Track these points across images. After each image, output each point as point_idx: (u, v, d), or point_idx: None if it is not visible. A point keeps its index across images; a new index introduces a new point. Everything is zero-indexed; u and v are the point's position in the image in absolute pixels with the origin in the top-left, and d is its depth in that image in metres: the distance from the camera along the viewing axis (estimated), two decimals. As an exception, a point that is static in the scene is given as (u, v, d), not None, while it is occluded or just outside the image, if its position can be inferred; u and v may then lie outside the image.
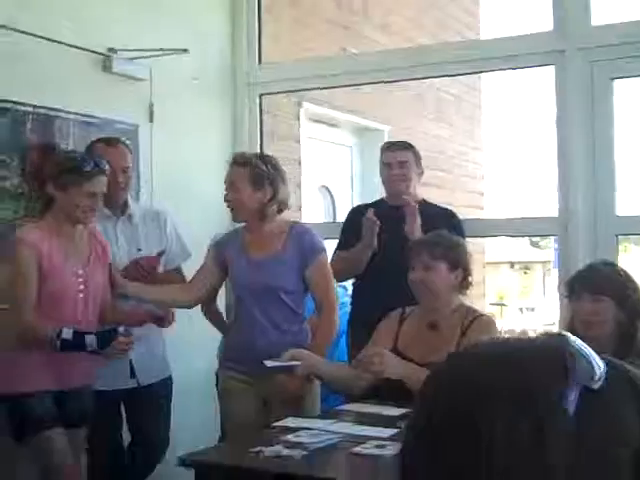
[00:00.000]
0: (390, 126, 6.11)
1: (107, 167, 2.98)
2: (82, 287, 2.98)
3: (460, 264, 3.01)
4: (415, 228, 3.50)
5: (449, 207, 3.96)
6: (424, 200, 3.81)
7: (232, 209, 3.27)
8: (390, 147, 3.87)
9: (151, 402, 3.39)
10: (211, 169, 4.29)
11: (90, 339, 2.82)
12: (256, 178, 3.19)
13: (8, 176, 3.23)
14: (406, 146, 3.82)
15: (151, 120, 3.91)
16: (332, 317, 3.23)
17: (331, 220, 5.71)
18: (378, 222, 3.49)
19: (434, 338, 2.97)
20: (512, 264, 19.62)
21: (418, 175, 3.80)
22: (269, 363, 2.87)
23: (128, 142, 3.60)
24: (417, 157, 3.80)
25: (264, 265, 3.18)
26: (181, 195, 4.00)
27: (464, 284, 3.05)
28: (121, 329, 2.90)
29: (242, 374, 3.17)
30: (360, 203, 4.35)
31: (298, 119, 5.29)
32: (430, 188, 6.07)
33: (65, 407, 2.93)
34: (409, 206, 3.52)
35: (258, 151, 4.43)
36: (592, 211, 3.67)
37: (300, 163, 5.26)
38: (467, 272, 3.04)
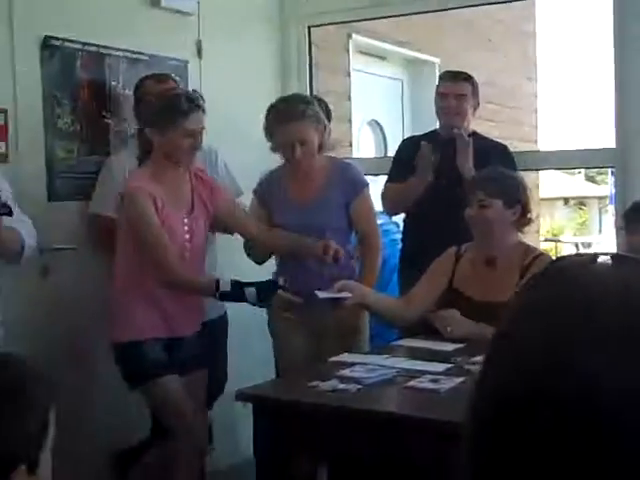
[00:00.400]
0: (441, 58, 5.98)
1: (202, 102, 2.87)
2: (188, 237, 2.89)
3: (518, 200, 2.96)
4: (467, 161, 3.44)
5: (501, 141, 3.88)
6: (475, 133, 3.73)
7: (300, 163, 3.15)
8: (449, 77, 3.74)
9: (209, 338, 3.41)
10: (260, 104, 4.24)
11: (249, 291, 2.75)
12: (319, 126, 3.16)
13: (60, 115, 3.24)
14: (465, 77, 3.70)
15: (200, 56, 3.88)
16: (379, 249, 3.26)
17: (382, 155, 5.65)
18: (436, 155, 3.43)
19: (492, 275, 2.94)
20: (566, 200, 19.28)
21: (474, 108, 3.71)
22: (320, 294, 2.86)
23: (178, 79, 3.59)
24: (475, 89, 3.70)
25: (309, 206, 3.17)
26: (230, 132, 3.96)
27: (522, 221, 3.00)
28: (280, 280, 2.80)
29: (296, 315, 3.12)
30: (411, 135, 4.27)
31: (347, 52, 5.20)
32: (482, 121, 5.96)
33: (178, 354, 2.90)
34: (461, 139, 3.46)
35: (307, 85, 4.39)
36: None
37: (349, 97, 5.19)
38: (526, 209, 2.98)
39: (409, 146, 3.69)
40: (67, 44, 3.26)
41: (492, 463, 0.65)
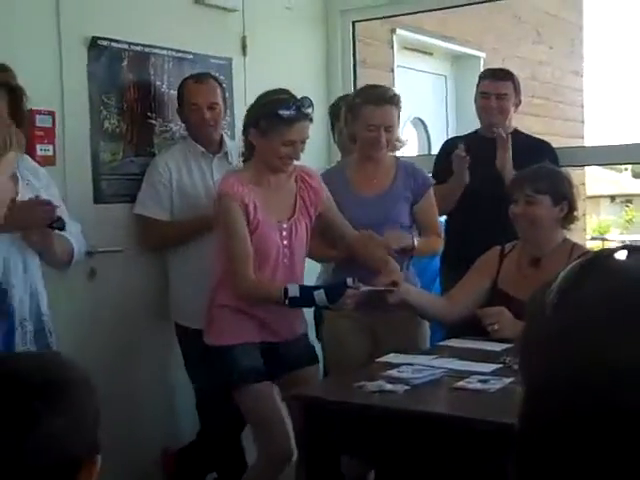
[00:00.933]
0: (486, 53, 5.91)
1: (311, 110, 2.78)
2: (286, 242, 2.83)
3: (565, 197, 2.91)
4: (506, 161, 3.41)
5: (544, 138, 3.81)
6: (516, 130, 3.69)
7: (380, 149, 3.11)
8: (490, 76, 3.71)
9: None
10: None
11: (319, 294, 2.70)
12: (399, 114, 3.15)
13: (107, 116, 3.26)
14: (507, 76, 3.66)
15: (244, 53, 3.87)
16: (441, 240, 3.29)
17: (425, 153, 5.60)
18: (467, 158, 3.39)
19: (537, 275, 2.89)
20: (613, 197, 18.96)
21: (515, 105, 3.67)
22: (363, 287, 2.82)
23: (222, 78, 3.59)
24: (517, 87, 3.65)
25: (375, 200, 3.14)
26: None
27: (569, 218, 2.96)
28: (349, 281, 2.72)
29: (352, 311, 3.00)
30: (454, 135, 4.23)
31: (392, 47, 5.16)
32: (526, 117, 5.87)
33: (275, 359, 2.86)
34: (500, 138, 3.42)
35: (351, 81, 4.36)
36: None
37: (394, 94, 5.15)
38: (572, 206, 2.94)
39: (450, 147, 3.65)
40: (113, 44, 3.28)
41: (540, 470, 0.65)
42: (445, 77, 5.82)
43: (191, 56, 3.60)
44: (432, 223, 3.26)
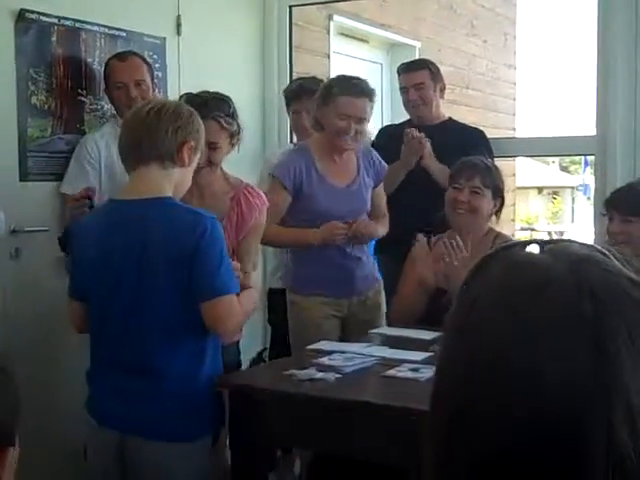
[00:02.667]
0: (421, 42, 5.93)
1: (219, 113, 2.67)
2: None
3: (500, 193, 3.05)
4: (430, 160, 3.46)
5: (477, 127, 3.84)
6: (450, 118, 3.72)
7: (353, 142, 3.11)
8: (404, 69, 3.72)
9: None
10: (240, 84, 4.18)
11: None
12: (372, 109, 3.17)
13: (35, 91, 3.15)
14: (421, 65, 3.69)
15: (178, 33, 3.79)
16: (387, 223, 3.35)
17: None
18: (425, 140, 3.42)
19: (465, 264, 2.94)
20: (540, 189, 19.40)
21: (440, 90, 3.67)
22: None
23: (155, 57, 3.52)
24: (435, 74, 3.65)
25: (349, 191, 3.18)
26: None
27: (498, 213, 3.09)
28: None
29: (328, 298, 3.15)
30: (389, 124, 4.24)
31: (328, 32, 5.13)
32: (459, 107, 5.92)
33: None
34: (412, 141, 3.43)
35: (287, 65, 4.32)
36: (632, 131, 3.54)
37: (329, 80, 5.12)
38: (503, 200, 3.08)
39: (385, 135, 3.71)
40: (43, 18, 3.16)
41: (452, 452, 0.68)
42: (381, 65, 5.82)
43: (124, 34, 3.50)
44: (384, 206, 3.35)
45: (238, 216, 2.72)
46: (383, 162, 3.31)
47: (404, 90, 3.66)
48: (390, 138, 3.61)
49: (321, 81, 3.64)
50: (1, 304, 2.99)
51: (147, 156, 2.19)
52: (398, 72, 3.77)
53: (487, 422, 0.65)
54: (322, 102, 3.12)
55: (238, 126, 2.74)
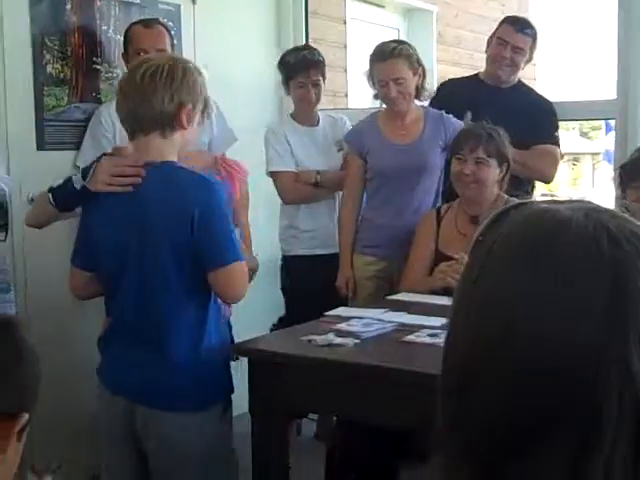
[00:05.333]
0: (438, 7, 5.85)
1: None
2: None
3: (506, 160, 3.00)
4: None
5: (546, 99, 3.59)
6: (520, 82, 3.58)
7: (395, 102, 3.21)
8: (512, 24, 3.47)
9: None
10: (255, 51, 4.16)
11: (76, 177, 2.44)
12: (412, 64, 3.20)
13: (50, 60, 3.14)
14: (528, 31, 3.47)
15: (193, 1, 3.77)
16: None
17: (377, 106, 5.54)
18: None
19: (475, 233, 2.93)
20: (561, 155, 19.19)
21: (527, 62, 3.53)
22: None
23: (170, 24, 3.49)
24: (534, 44, 3.49)
25: (407, 147, 3.24)
26: (225, 80, 3.87)
27: (505, 178, 3.04)
28: None
29: (380, 258, 3.29)
30: (451, 77, 4.04)
31: (344, -1, 5.08)
32: (478, 70, 5.85)
33: None
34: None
35: (302, 32, 4.28)
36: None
37: (346, 46, 5.08)
38: (509, 167, 3.02)
39: (446, 89, 3.62)
40: (56, -15, 3.15)
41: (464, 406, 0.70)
42: (398, 30, 5.76)
43: (138, 1, 3.49)
44: None
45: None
46: (459, 126, 3.24)
47: (500, 42, 3.43)
48: (450, 93, 3.53)
49: (317, 49, 3.62)
50: (21, 272, 3.01)
51: (146, 126, 2.14)
52: (503, 21, 3.52)
53: (501, 374, 0.66)
54: (369, 76, 3.29)
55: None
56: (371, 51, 3.31)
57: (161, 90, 2.11)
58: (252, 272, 3.35)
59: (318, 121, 3.64)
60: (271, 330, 3.45)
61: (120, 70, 3.35)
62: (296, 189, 3.54)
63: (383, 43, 3.34)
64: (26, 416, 1.14)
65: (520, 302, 0.66)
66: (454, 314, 0.73)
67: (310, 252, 3.54)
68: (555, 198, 0.76)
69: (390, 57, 3.17)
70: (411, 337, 2.36)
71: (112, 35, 3.36)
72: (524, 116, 3.23)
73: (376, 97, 3.40)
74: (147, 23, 3.22)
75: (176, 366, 2.16)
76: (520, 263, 0.67)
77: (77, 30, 3.24)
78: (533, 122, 3.22)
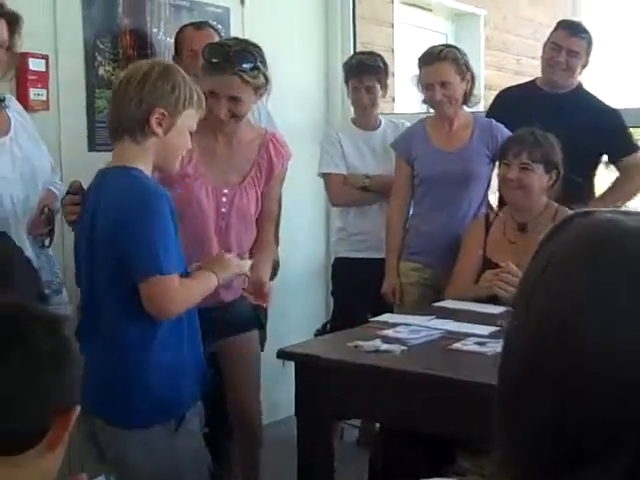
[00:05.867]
0: (487, 11, 5.81)
1: (246, 66, 2.54)
2: (224, 210, 2.64)
3: (556, 166, 2.95)
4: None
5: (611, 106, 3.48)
6: (580, 86, 3.50)
7: (441, 106, 3.21)
8: (566, 28, 3.44)
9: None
10: (303, 55, 4.16)
11: None
12: (460, 68, 3.19)
13: (102, 62, 3.17)
14: (582, 34, 3.42)
15: (242, 3, 3.79)
16: None
17: (424, 111, 5.52)
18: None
19: (524, 240, 2.95)
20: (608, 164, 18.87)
21: (583, 66, 3.47)
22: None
23: (219, 27, 3.51)
24: (590, 47, 3.44)
25: (453, 154, 3.22)
26: (274, 83, 3.87)
27: (555, 185, 2.98)
28: None
29: (425, 265, 3.27)
30: (508, 86, 3.92)
31: (392, 2, 5.06)
32: (524, 78, 5.80)
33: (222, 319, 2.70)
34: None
35: (350, 36, 4.28)
36: None
37: (393, 51, 5.06)
38: (559, 173, 2.96)
39: (502, 98, 3.59)
40: (109, -12, 3.18)
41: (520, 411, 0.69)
42: (445, 35, 5.73)
43: (188, 4, 3.52)
44: None
45: (267, 163, 2.70)
46: (506, 136, 3.17)
47: (554, 47, 3.40)
48: (507, 101, 3.50)
49: (380, 56, 3.62)
50: (72, 274, 3.03)
51: (118, 131, 2.09)
52: (557, 27, 3.48)
53: (557, 382, 0.65)
54: (417, 80, 3.27)
55: (265, 78, 2.59)
56: (419, 55, 3.30)
57: (130, 93, 2.06)
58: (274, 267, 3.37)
59: (378, 126, 3.63)
60: (315, 335, 3.45)
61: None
62: (344, 192, 3.54)
63: (432, 47, 3.34)
64: (78, 409, 1.16)
65: (587, 312, 0.65)
66: (514, 318, 0.72)
67: (358, 255, 3.53)
68: (614, 208, 0.74)
69: (437, 60, 3.16)
70: (458, 345, 2.34)
71: (162, 37, 3.39)
72: (587, 121, 3.17)
73: (424, 102, 3.39)
74: (198, 25, 3.25)
75: (124, 380, 2.08)
76: (581, 270, 0.67)
77: (128, 32, 3.27)
78: (598, 127, 3.15)
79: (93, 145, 3.17)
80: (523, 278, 0.73)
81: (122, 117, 2.07)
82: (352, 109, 3.73)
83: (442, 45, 3.46)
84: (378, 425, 3.27)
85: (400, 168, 3.34)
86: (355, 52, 3.98)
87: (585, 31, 3.46)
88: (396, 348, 2.31)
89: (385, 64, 3.62)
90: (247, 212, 2.65)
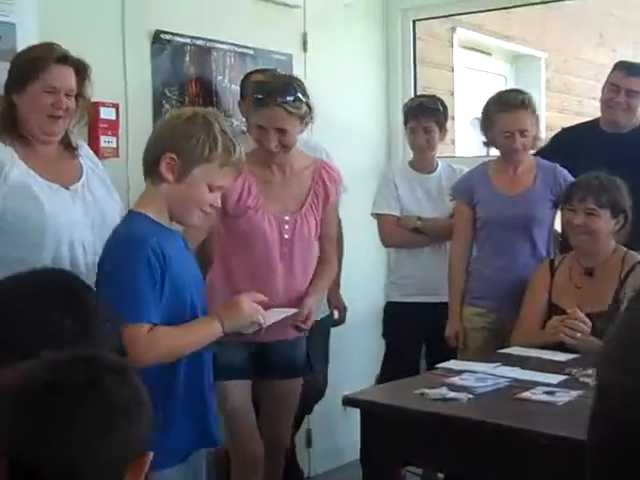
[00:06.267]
0: (547, 53, 5.80)
1: (289, 99, 2.62)
2: (286, 236, 2.72)
3: (623, 210, 2.91)
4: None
5: None
6: None
7: (518, 154, 3.22)
8: (624, 69, 3.42)
9: (308, 342, 3.29)
10: (365, 99, 4.20)
11: None
12: (535, 115, 3.22)
13: (169, 109, 3.23)
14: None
15: (305, 49, 3.85)
16: None
17: (484, 154, 5.50)
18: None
19: (591, 285, 2.90)
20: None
21: None
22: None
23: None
24: None
25: (516, 197, 3.22)
26: (337, 127, 3.92)
27: (622, 230, 2.94)
28: None
29: (489, 309, 3.24)
30: (570, 125, 3.90)
31: (451, 45, 5.09)
32: (586, 119, 5.75)
33: (264, 361, 2.78)
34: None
35: (411, 79, 4.31)
36: None
37: (453, 94, 5.07)
38: (627, 217, 2.93)
39: (566, 137, 3.57)
40: (176, 38, 3.27)
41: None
42: (505, 77, 5.72)
43: (252, 51, 3.58)
44: None
45: (322, 189, 2.77)
46: (569, 180, 3.19)
47: (613, 88, 3.39)
48: (568, 141, 3.48)
49: (440, 100, 3.63)
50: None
51: (144, 172, 2.14)
52: (614, 68, 3.48)
53: None
54: (487, 123, 3.24)
55: (308, 106, 2.67)
56: (491, 100, 3.28)
57: (152, 138, 2.11)
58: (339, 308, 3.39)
59: (435, 169, 3.63)
60: (377, 380, 3.42)
61: (235, 119, 3.44)
62: (395, 233, 3.54)
63: (506, 92, 3.35)
64: (151, 455, 1.16)
65: None
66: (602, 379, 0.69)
67: (408, 299, 3.50)
68: None
69: (520, 108, 3.15)
70: (527, 394, 2.30)
71: (227, 84, 3.45)
72: None
73: (486, 144, 3.38)
74: (265, 72, 3.28)
75: None
76: None
77: (194, 80, 3.34)
78: None
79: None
80: (607, 343, 0.70)
81: (144, 157, 2.12)
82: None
83: (516, 91, 3.39)
84: (440, 475, 3.23)
85: (461, 211, 3.32)
86: (416, 95, 4.00)
87: None
88: (463, 396, 2.28)
89: (445, 107, 3.62)
90: (309, 237, 2.74)
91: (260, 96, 2.65)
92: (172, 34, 3.24)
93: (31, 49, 2.48)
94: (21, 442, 1.08)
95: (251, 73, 3.31)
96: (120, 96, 3.05)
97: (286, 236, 2.69)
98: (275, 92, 2.62)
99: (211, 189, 2.11)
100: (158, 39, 3.20)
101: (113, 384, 1.13)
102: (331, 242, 2.88)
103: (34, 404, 1.10)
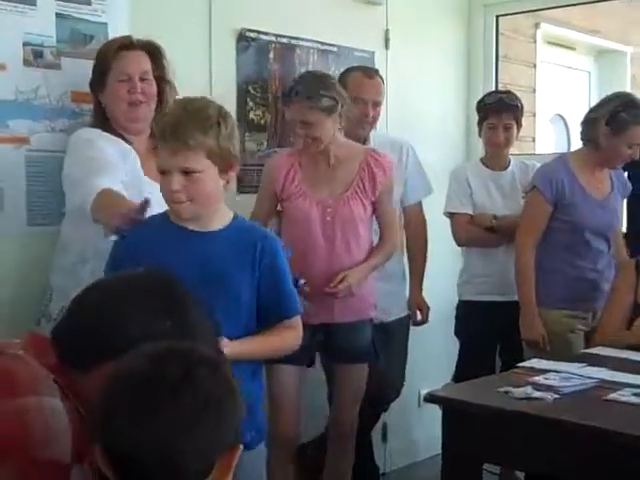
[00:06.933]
0: (633, 48, 5.66)
1: (311, 93, 2.76)
2: (329, 218, 2.86)
3: None
4: None
5: None
6: None
7: (623, 162, 3.25)
8: None
9: (387, 341, 3.27)
10: (446, 95, 4.18)
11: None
12: None
13: (253, 107, 3.29)
14: None
15: (387, 46, 3.85)
16: None
17: (564, 150, 5.41)
18: None
19: None
20: None
21: None
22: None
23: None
24: None
25: (605, 205, 3.23)
26: (417, 125, 3.92)
27: None
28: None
29: (581, 312, 3.20)
30: None
31: (534, 41, 5.01)
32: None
33: (329, 343, 2.87)
34: None
35: (492, 76, 4.26)
36: None
37: (534, 90, 5.00)
38: None
39: None
40: (261, 36, 3.30)
41: None
42: (588, 73, 5.61)
43: (335, 49, 3.59)
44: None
45: (369, 174, 2.88)
46: (629, 184, 3.35)
47: None
48: None
49: (516, 95, 3.58)
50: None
51: None
52: None
53: None
54: (612, 127, 3.11)
55: (332, 99, 2.78)
56: (629, 108, 3.13)
57: None
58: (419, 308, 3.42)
59: (508, 166, 3.59)
60: (454, 379, 3.41)
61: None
62: (469, 231, 3.51)
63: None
64: (241, 448, 1.18)
65: None
66: None
67: (481, 298, 3.46)
68: None
69: None
70: (614, 395, 2.26)
71: (310, 82, 3.46)
72: None
73: (587, 142, 3.24)
74: (369, 73, 3.28)
75: None
76: None
77: (277, 78, 3.37)
78: None
79: (242, 187, 3.25)
80: None
81: None
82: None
83: None
84: (519, 473, 3.20)
85: (542, 206, 3.18)
86: (490, 91, 3.94)
87: None
88: (548, 396, 2.26)
89: (522, 104, 3.57)
90: (351, 219, 2.86)
91: (285, 94, 2.91)
92: (257, 32, 3.28)
93: (101, 45, 2.57)
94: (117, 430, 1.11)
95: (354, 70, 3.29)
96: (206, 93, 3.04)
97: (328, 218, 2.83)
98: (297, 89, 2.81)
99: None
100: (243, 37, 3.24)
101: (207, 376, 1.16)
102: (385, 226, 2.97)
103: (131, 394, 1.13)
